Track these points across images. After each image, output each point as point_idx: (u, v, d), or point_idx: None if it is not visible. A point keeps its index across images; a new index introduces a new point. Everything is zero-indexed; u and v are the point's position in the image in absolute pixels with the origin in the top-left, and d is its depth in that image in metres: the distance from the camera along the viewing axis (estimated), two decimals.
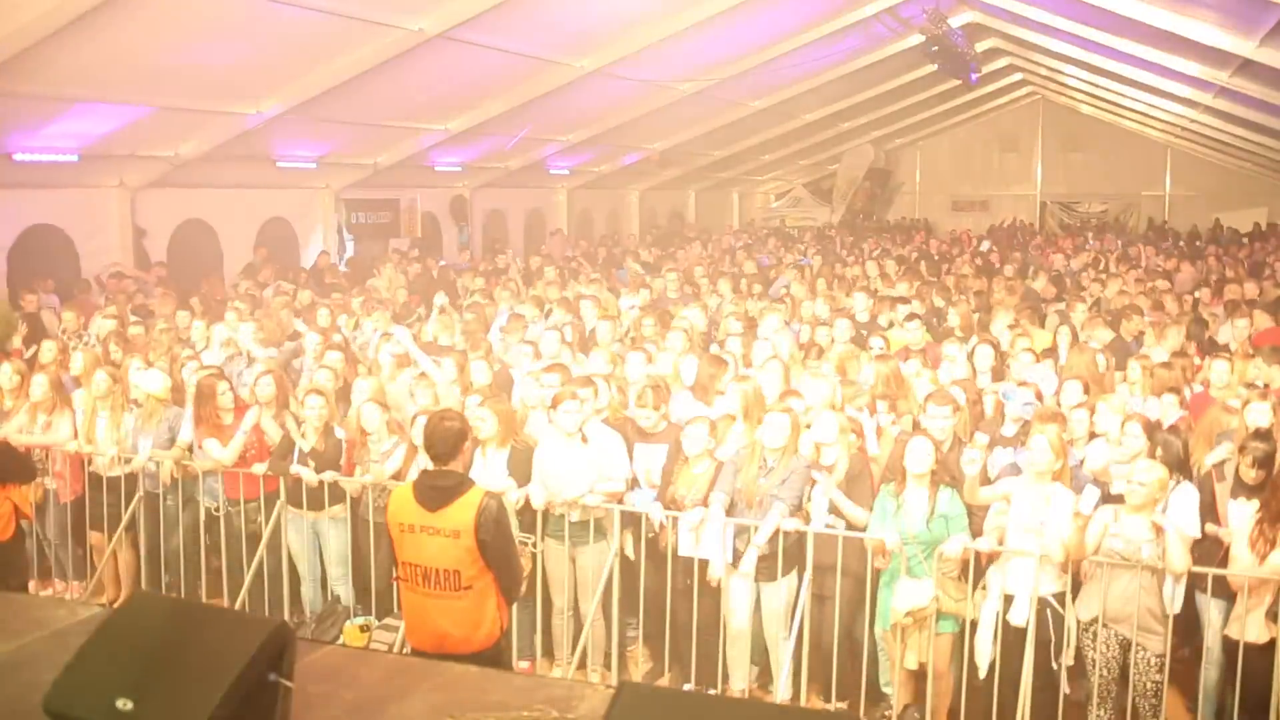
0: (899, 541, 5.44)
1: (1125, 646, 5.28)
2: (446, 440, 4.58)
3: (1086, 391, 6.89)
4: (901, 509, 5.52)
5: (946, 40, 15.10)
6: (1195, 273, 14.87)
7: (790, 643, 5.67)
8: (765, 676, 6.07)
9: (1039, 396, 6.60)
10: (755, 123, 20.90)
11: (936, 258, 17.32)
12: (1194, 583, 5.30)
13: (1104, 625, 5.30)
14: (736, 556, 5.80)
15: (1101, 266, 15.45)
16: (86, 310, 10.33)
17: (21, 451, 6.95)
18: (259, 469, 6.74)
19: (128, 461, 7.05)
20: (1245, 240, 22.11)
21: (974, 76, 16.80)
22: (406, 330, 8.68)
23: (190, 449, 6.98)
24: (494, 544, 4.47)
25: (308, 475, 6.53)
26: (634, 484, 6.34)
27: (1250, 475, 5.47)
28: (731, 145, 22.82)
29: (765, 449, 5.80)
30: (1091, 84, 21.16)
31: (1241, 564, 5.13)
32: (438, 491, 4.51)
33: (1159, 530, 5.09)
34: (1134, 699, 5.28)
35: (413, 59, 11.57)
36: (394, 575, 4.78)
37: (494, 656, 4.53)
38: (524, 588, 5.35)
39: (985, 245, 20.62)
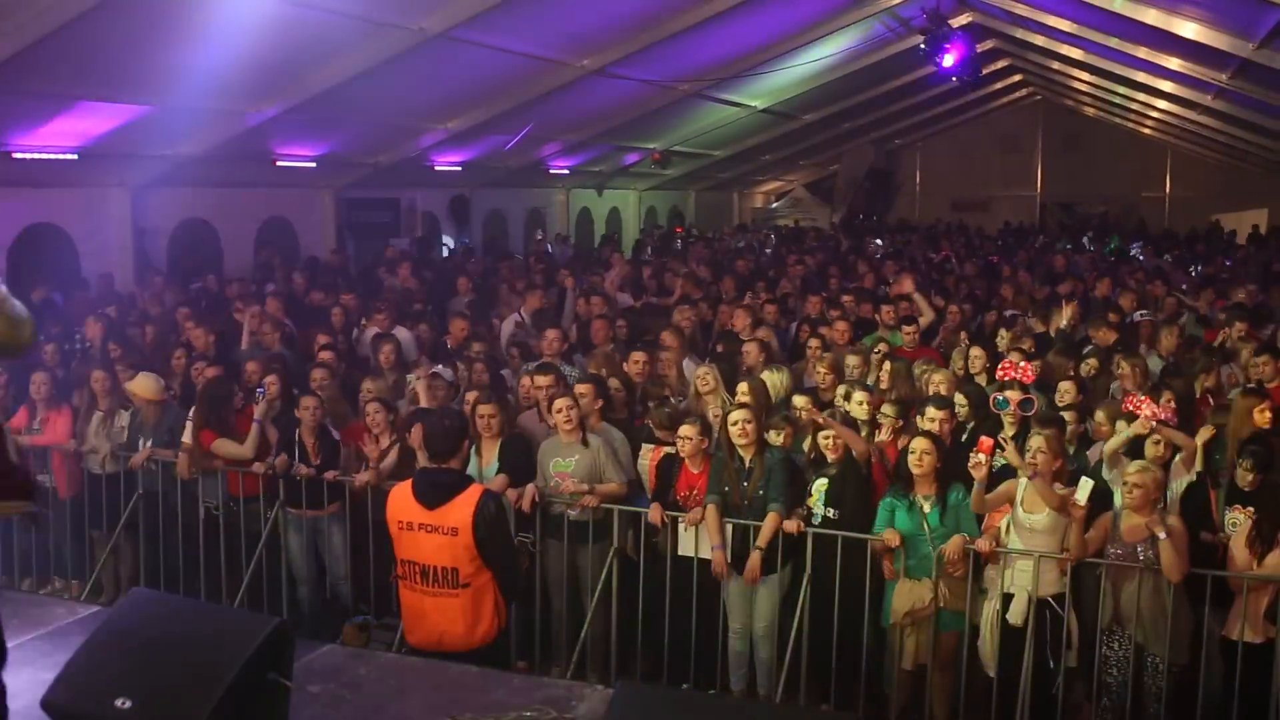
0: (898, 539, 5.45)
1: (1137, 649, 5.28)
2: (446, 438, 4.60)
3: (1080, 391, 6.92)
4: (911, 509, 5.53)
5: (946, 41, 15.09)
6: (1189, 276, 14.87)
7: (790, 640, 5.68)
8: (763, 677, 6.06)
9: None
10: (755, 123, 20.89)
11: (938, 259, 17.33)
12: (1192, 588, 5.29)
13: (1115, 624, 5.30)
14: (735, 559, 5.79)
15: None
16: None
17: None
18: (259, 468, 6.74)
19: (127, 460, 7.06)
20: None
21: (942, 62, 16.65)
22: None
23: (192, 451, 6.96)
24: (491, 542, 4.48)
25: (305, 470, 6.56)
26: (637, 484, 6.35)
27: (1248, 480, 5.47)
28: (731, 145, 22.82)
29: (737, 449, 5.81)
30: (1092, 85, 21.16)
31: (1238, 565, 5.14)
32: (436, 489, 4.53)
33: (1155, 532, 5.09)
34: (1141, 702, 5.28)
35: (413, 59, 11.55)
36: (393, 573, 4.80)
37: (492, 655, 4.54)
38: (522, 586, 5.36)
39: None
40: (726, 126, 20.30)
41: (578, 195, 23.22)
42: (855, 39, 16.61)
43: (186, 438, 6.91)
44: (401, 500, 4.61)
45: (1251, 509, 5.38)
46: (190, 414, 7.01)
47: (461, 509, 4.45)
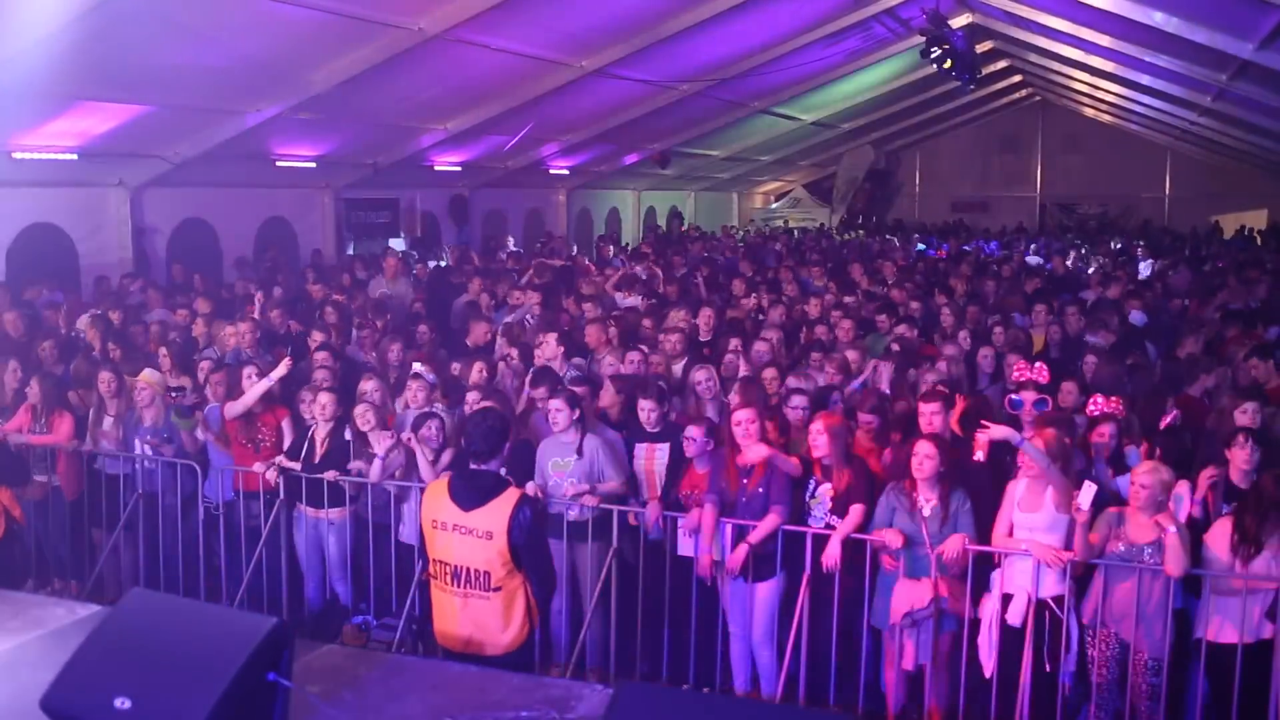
0: (902, 540, 5.45)
1: (1125, 648, 5.29)
2: (488, 438, 4.54)
3: (1083, 392, 6.92)
4: (912, 513, 5.52)
5: (946, 42, 15.10)
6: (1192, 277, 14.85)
7: (789, 640, 5.68)
8: (763, 678, 6.06)
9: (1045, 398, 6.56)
10: (755, 123, 20.91)
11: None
12: (1186, 588, 5.28)
13: (1103, 624, 5.31)
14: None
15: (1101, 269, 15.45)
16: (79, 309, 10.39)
17: (14, 452, 7.02)
18: (259, 468, 6.76)
19: (128, 459, 7.10)
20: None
21: (966, 77, 16.78)
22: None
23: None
24: (526, 547, 4.44)
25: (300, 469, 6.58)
26: (633, 484, 6.35)
27: (1245, 480, 5.47)
28: (731, 145, 22.82)
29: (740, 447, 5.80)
30: (1091, 85, 21.17)
31: (1222, 568, 5.13)
32: (473, 491, 4.47)
33: (1161, 533, 5.09)
34: (1132, 701, 5.28)
35: (413, 59, 11.57)
36: (423, 572, 4.77)
37: (520, 659, 4.51)
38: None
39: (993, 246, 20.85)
40: (726, 126, 20.34)
41: (577, 195, 23.21)
42: (855, 39, 16.62)
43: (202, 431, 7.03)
44: (436, 499, 4.55)
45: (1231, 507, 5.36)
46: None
47: (497, 513, 4.39)
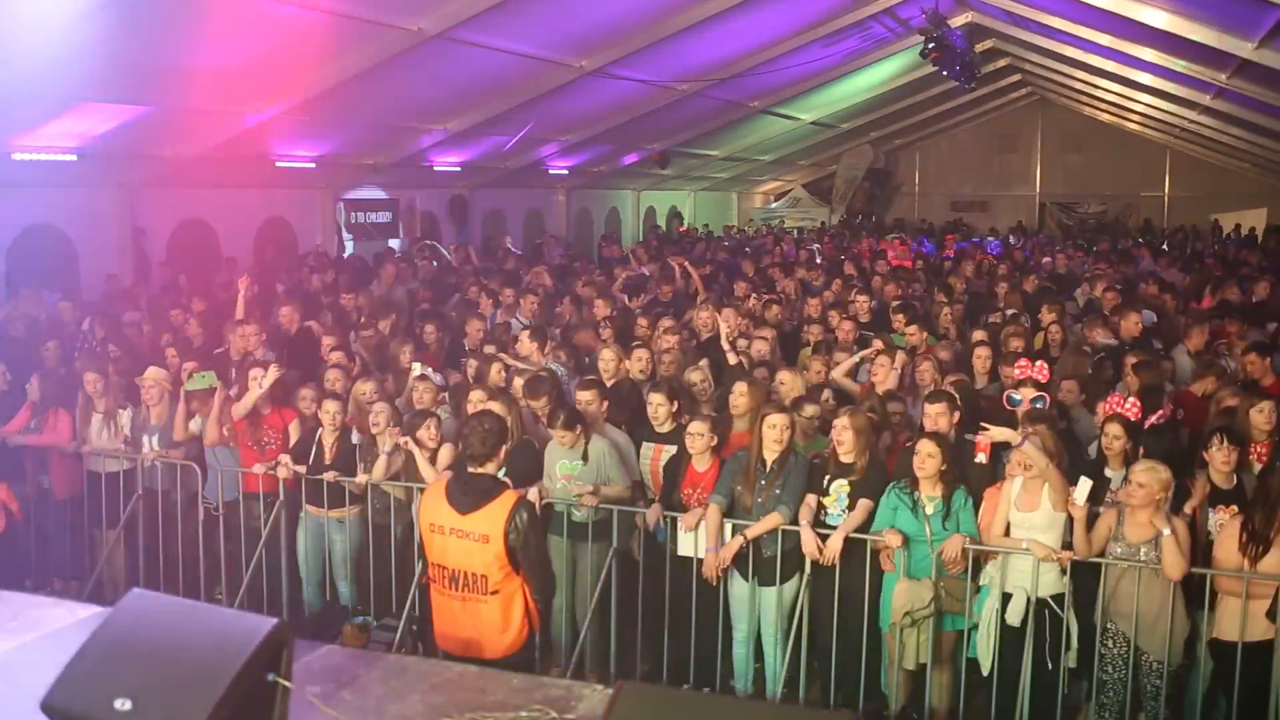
0: (901, 541, 5.45)
1: (1130, 646, 5.29)
2: (485, 441, 4.53)
3: (1083, 391, 6.92)
4: (915, 510, 5.52)
5: (946, 41, 15.10)
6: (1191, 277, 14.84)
7: (789, 642, 5.68)
8: (763, 677, 6.07)
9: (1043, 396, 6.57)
10: (754, 123, 20.91)
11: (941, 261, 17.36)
12: (1186, 589, 5.27)
13: (1110, 621, 5.31)
14: (740, 560, 5.78)
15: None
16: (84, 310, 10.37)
17: (10, 448, 7.03)
18: (259, 468, 6.75)
19: (132, 458, 7.10)
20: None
21: (965, 79, 16.79)
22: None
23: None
24: (524, 550, 4.44)
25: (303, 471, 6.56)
26: (640, 485, 6.35)
27: (1227, 481, 5.49)
28: (731, 145, 22.82)
29: (763, 449, 5.80)
30: (1091, 84, 21.17)
31: (1229, 566, 5.13)
32: (470, 494, 4.47)
33: (1158, 532, 5.09)
34: (1135, 700, 5.28)
35: (413, 59, 11.56)
36: (423, 575, 4.76)
37: (520, 660, 4.51)
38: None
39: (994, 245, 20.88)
40: (727, 126, 20.35)
41: (577, 195, 23.21)
42: (855, 39, 16.62)
43: (212, 421, 7.01)
44: (434, 503, 4.55)
45: (1235, 507, 5.36)
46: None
47: (494, 517, 4.39)
